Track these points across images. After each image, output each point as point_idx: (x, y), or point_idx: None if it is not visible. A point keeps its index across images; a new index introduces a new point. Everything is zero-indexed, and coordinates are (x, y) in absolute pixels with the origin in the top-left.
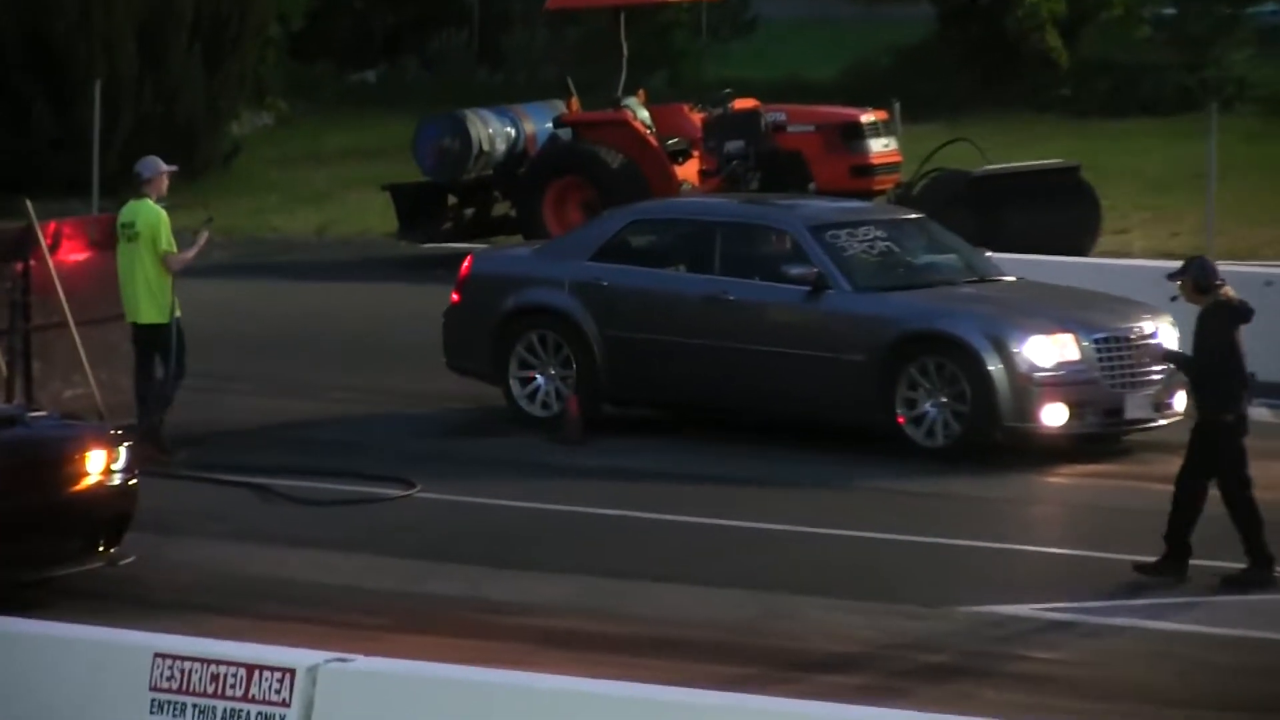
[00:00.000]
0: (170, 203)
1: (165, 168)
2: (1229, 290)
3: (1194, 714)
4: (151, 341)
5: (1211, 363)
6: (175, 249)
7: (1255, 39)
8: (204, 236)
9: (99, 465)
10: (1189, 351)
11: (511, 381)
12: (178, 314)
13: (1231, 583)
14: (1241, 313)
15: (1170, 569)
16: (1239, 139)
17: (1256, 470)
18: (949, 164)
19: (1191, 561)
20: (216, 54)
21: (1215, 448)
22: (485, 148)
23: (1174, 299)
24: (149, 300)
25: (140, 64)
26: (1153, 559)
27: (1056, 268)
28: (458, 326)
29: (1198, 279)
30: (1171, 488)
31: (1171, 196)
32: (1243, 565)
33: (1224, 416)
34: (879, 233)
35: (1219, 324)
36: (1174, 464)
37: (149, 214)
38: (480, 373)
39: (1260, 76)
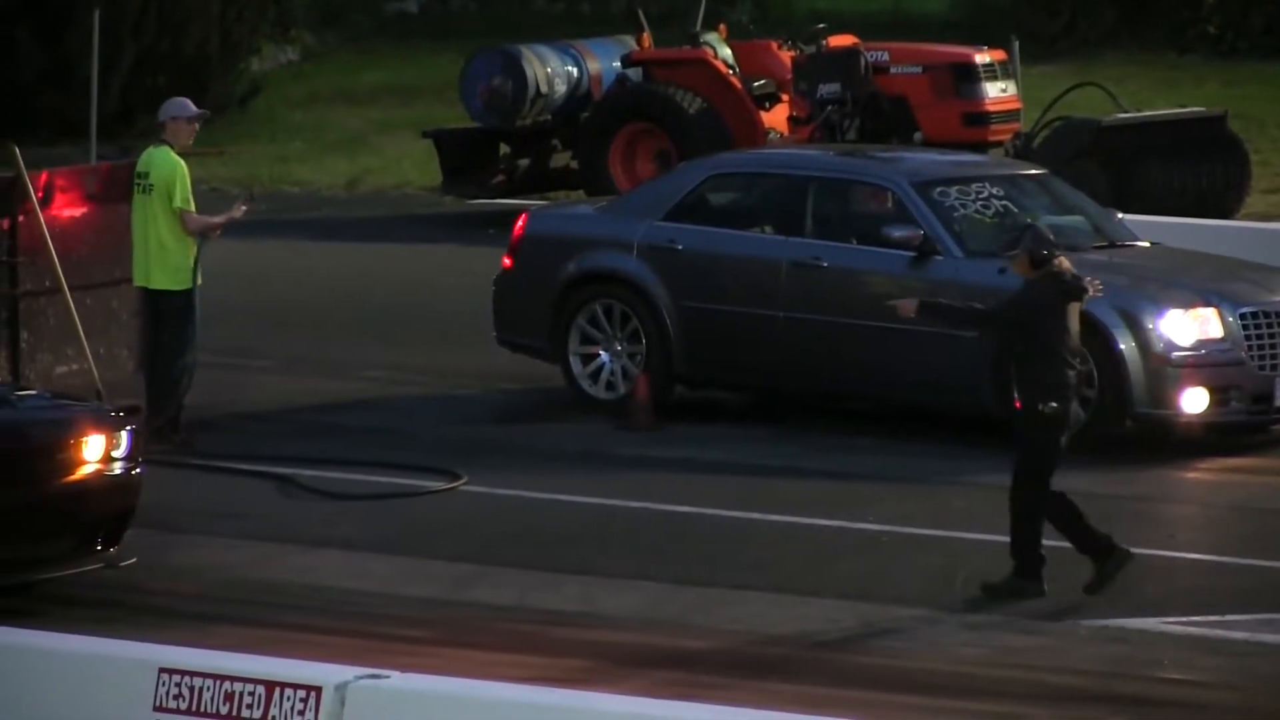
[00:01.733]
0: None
1: (192, 111)
2: (1065, 262)
3: None
4: (162, 311)
5: (1033, 344)
6: (193, 206)
7: None
8: (240, 209)
9: (96, 453)
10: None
11: (572, 359)
12: (193, 282)
13: (991, 592)
14: (1073, 289)
15: (1104, 577)
16: None
17: None
18: (1075, 112)
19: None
20: None
21: (1029, 440)
22: (543, 89)
23: (1002, 271)
24: (161, 263)
25: None
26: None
27: (1198, 231)
28: (510, 295)
29: (1033, 251)
30: None
31: None
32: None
33: (1044, 405)
34: (994, 190)
35: (1051, 299)
36: None
37: (164, 164)
38: (536, 349)
39: None
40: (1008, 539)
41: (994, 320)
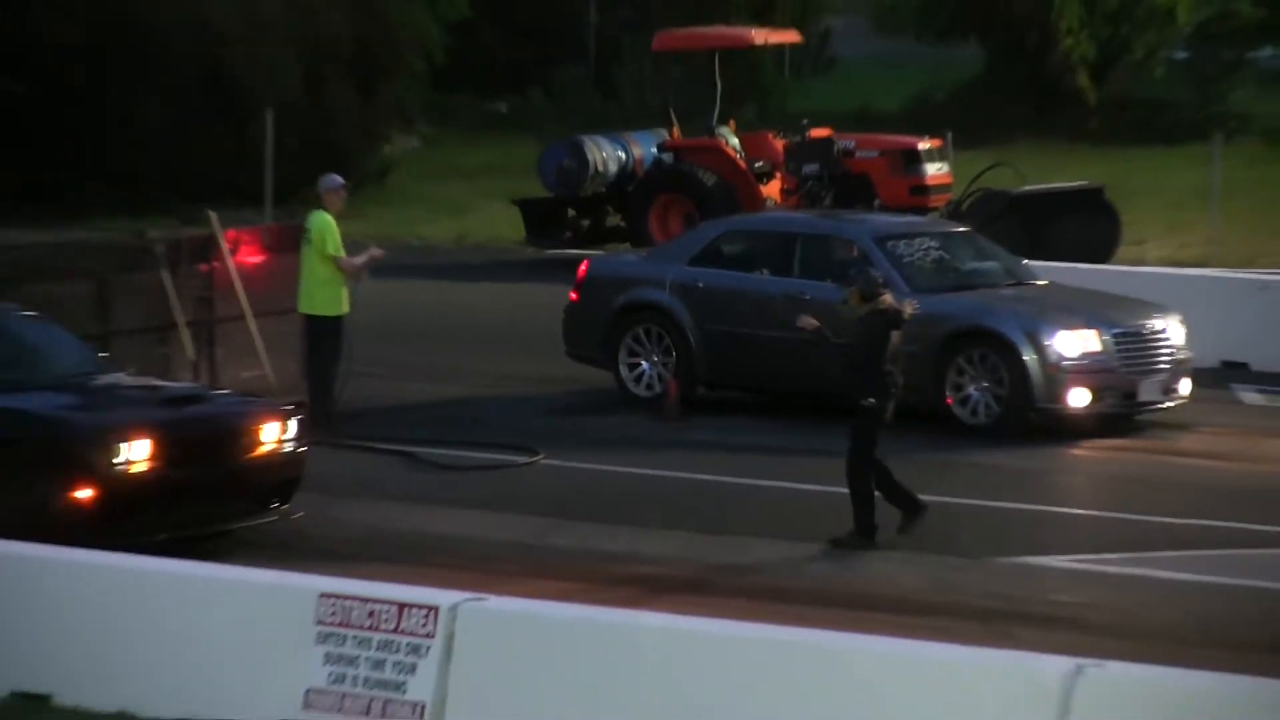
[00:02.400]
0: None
1: (339, 183)
2: (888, 298)
3: (1203, 651)
4: (319, 331)
5: (864, 358)
6: (342, 252)
7: (1256, 79)
8: (374, 252)
9: (272, 435)
10: (849, 347)
11: (621, 367)
12: (344, 310)
13: (836, 543)
14: (895, 319)
15: (910, 520)
16: (1240, 165)
17: (1250, 446)
18: (993, 185)
19: (1195, 521)
20: (369, 83)
21: (856, 428)
22: (600, 168)
23: (844, 302)
24: (318, 295)
25: (304, 93)
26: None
27: (1082, 274)
28: (576, 320)
29: (865, 289)
30: (1178, 460)
31: (1182, 213)
32: (847, 530)
33: (867, 400)
34: (933, 243)
35: (877, 328)
36: (1182, 440)
37: (319, 222)
38: (594, 360)
39: (1260, 111)
40: (930, 499)
41: (855, 348)
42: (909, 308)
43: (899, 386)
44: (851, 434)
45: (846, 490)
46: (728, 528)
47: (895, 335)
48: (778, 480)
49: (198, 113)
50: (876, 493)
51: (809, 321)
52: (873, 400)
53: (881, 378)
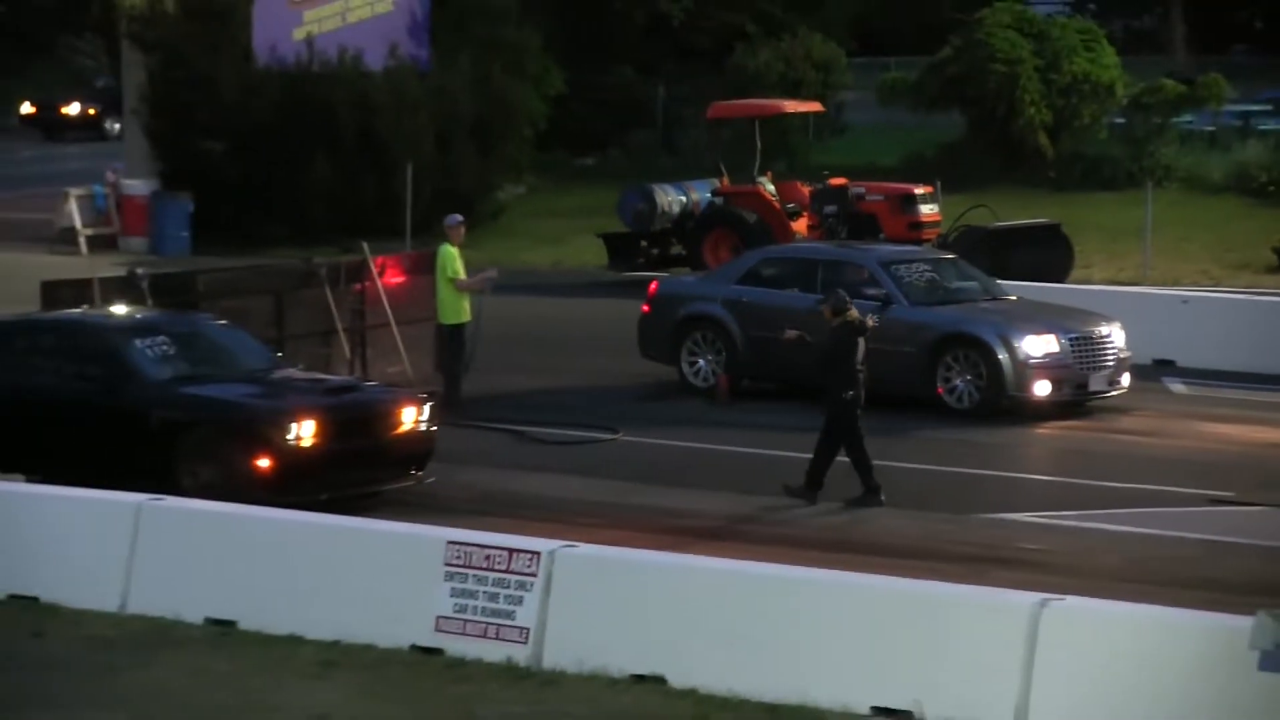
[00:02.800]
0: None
1: (459, 221)
2: (854, 312)
3: (1140, 587)
4: (445, 336)
5: (837, 361)
6: (462, 275)
7: (1178, 139)
8: (488, 273)
9: (410, 417)
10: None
11: (682, 364)
12: (465, 319)
13: (851, 503)
14: (860, 328)
15: (810, 495)
16: (1166, 206)
17: (1177, 426)
18: (973, 222)
19: (1134, 485)
20: (487, 145)
21: (833, 413)
22: (665, 209)
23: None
24: (444, 308)
25: (436, 151)
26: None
27: (1043, 291)
28: (647, 328)
29: (834, 306)
30: (1120, 437)
31: (1120, 244)
32: (859, 493)
33: (844, 394)
34: (926, 267)
35: (846, 336)
36: (1123, 420)
37: (443, 253)
38: (662, 359)
39: (1181, 164)
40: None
41: (826, 354)
42: (870, 321)
43: (867, 379)
44: (833, 421)
45: (851, 461)
46: (765, 489)
47: (862, 342)
48: (805, 452)
49: (355, 167)
50: (840, 458)
51: (790, 334)
52: (851, 393)
53: (853, 375)
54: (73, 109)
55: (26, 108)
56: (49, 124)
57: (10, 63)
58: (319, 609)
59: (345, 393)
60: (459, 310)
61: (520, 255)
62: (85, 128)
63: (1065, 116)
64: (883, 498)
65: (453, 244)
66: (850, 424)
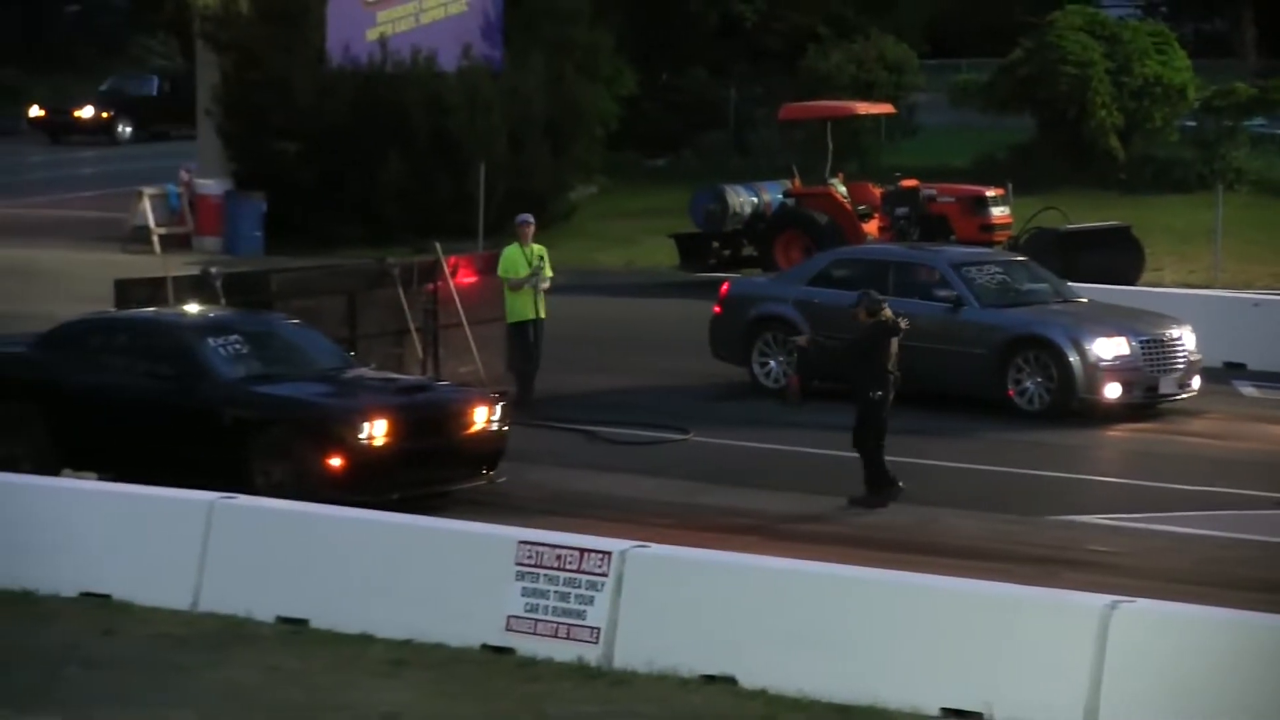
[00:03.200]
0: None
1: (524, 220)
2: (887, 311)
3: (1209, 590)
4: (510, 335)
5: (869, 359)
6: (510, 276)
7: (1249, 142)
8: (532, 281)
9: (482, 416)
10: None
11: (753, 365)
12: (529, 317)
13: (855, 501)
14: (893, 329)
15: (885, 496)
16: (1236, 209)
17: (1247, 429)
18: (1044, 224)
19: (1203, 488)
20: (560, 145)
21: (861, 413)
22: (737, 210)
23: (853, 317)
24: (508, 308)
25: (509, 151)
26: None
27: (1114, 294)
28: (719, 329)
29: (868, 307)
30: (1189, 439)
31: (1191, 247)
32: (863, 490)
33: (873, 393)
34: (997, 269)
35: (878, 336)
36: (1193, 423)
37: (503, 254)
38: (733, 359)
39: (1251, 167)
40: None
41: (853, 349)
42: (904, 322)
43: (898, 380)
44: (859, 417)
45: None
46: (834, 489)
47: (894, 342)
48: None
49: (428, 167)
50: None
51: (802, 339)
52: (879, 393)
53: (884, 375)
54: (86, 112)
55: (35, 111)
56: (58, 127)
57: (85, 62)
58: (390, 608)
59: (417, 392)
60: (516, 310)
61: (592, 256)
62: (96, 131)
63: (1136, 119)
64: (888, 500)
65: (521, 244)
66: (877, 424)
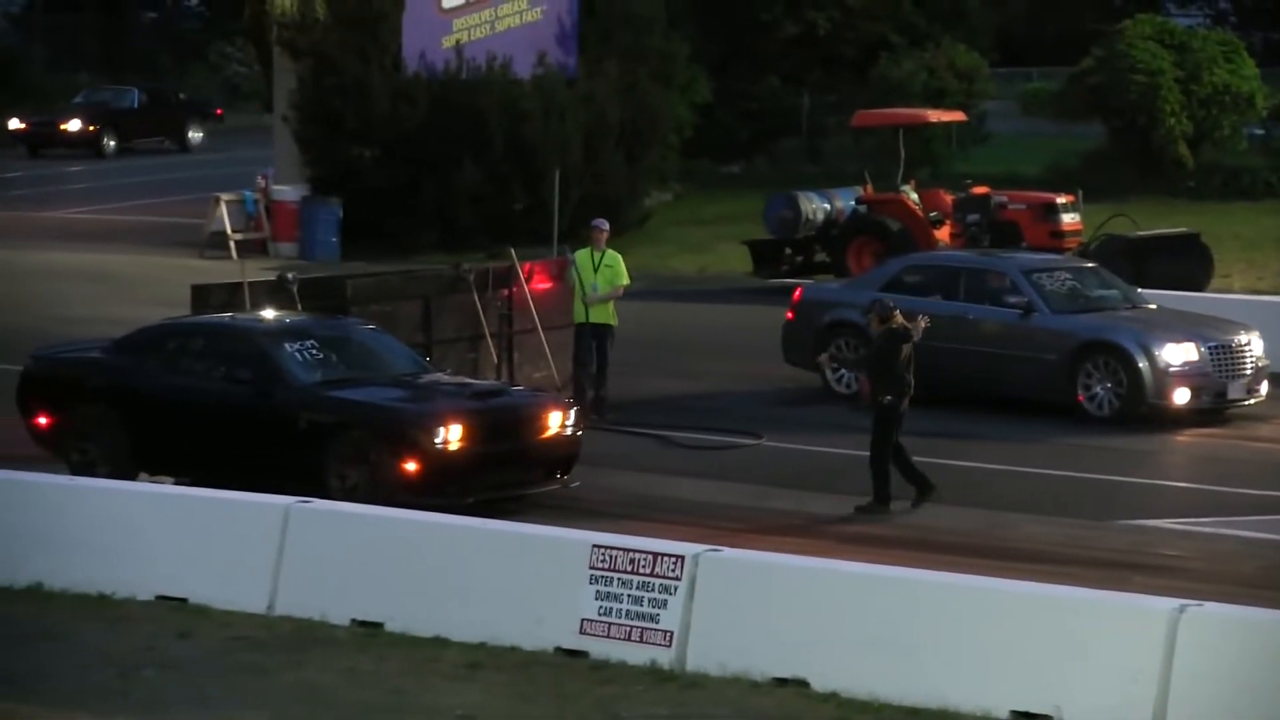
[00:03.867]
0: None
1: (597, 225)
2: (899, 317)
3: (1272, 593)
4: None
5: (882, 365)
6: (572, 281)
7: None
8: (610, 290)
9: (556, 421)
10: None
11: (826, 371)
12: (579, 320)
13: (860, 510)
14: (904, 335)
15: (922, 497)
16: None
17: None
18: (1114, 231)
19: (1271, 492)
20: (634, 152)
21: (875, 419)
22: (810, 217)
23: (867, 325)
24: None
25: (583, 158)
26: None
27: (1183, 300)
28: (791, 334)
29: (880, 313)
30: (1258, 444)
31: (1259, 254)
32: (868, 498)
33: (885, 398)
34: (1067, 275)
35: (891, 342)
36: (1261, 428)
37: (576, 254)
38: (805, 365)
39: None
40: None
41: (871, 358)
42: (924, 320)
43: (911, 387)
44: (875, 422)
45: (871, 464)
46: (906, 494)
47: (906, 347)
48: (945, 458)
49: (503, 173)
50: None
51: (823, 357)
52: (890, 398)
53: (896, 381)
54: (73, 125)
55: (15, 124)
56: (40, 140)
57: (165, 68)
58: (464, 611)
59: (492, 397)
60: (575, 311)
61: (667, 261)
62: (79, 144)
63: (1205, 127)
64: (890, 509)
65: (594, 248)
66: (887, 429)
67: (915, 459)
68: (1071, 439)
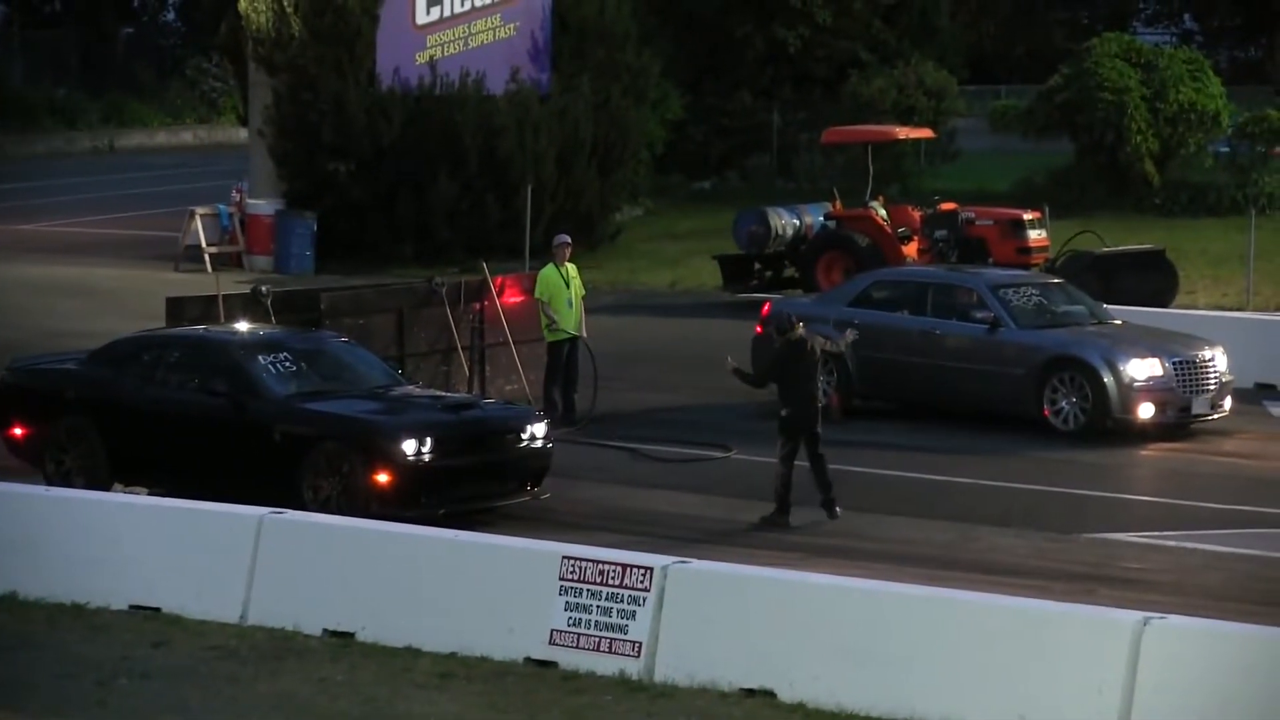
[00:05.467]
0: (578, 266)
1: (560, 241)
2: (798, 332)
3: (1242, 607)
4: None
5: (782, 377)
6: (545, 298)
7: None
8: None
9: (527, 433)
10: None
11: None
12: (565, 335)
13: (764, 520)
14: (800, 346)
15: (779, 516)
16: (1269, 233)
17: (1271, 446)
18: (1080, 247)
19: (1235, 506)
20: (607, 167)
21: (778, 429)
22: (779, 232)
23: (769, 336)
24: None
25: (557, 173)
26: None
27: (1148, 316)
28: (761, 347)
29: (779, 326)
30: (1222, 459)
31: (1224, 270)
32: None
33: (780, 411)
34: (1034, 291)
35: (787, 355)
36: (1225, 443)
37: (543, 272)
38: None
39: None
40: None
41: (768, 370)
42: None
43: (815, 399)
44: (780, 437)
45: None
46: (874, 506)
47: (806, 362)
48: (915, 471)
49: (477, 188)
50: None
51: (730, 365)
52: (785, 411)
53: (794, 394)
54: None
55: None
56: None
57: (139, 84)
58: (436, 621)
59: (464, 409)
60: (557, 331)
61: (639, 276)
62: None
63: (1172, 145)
64: (790, 521)
65: (558, 264)
66: (788, 443)
67: (881, 471)
68: (1038, 453)
